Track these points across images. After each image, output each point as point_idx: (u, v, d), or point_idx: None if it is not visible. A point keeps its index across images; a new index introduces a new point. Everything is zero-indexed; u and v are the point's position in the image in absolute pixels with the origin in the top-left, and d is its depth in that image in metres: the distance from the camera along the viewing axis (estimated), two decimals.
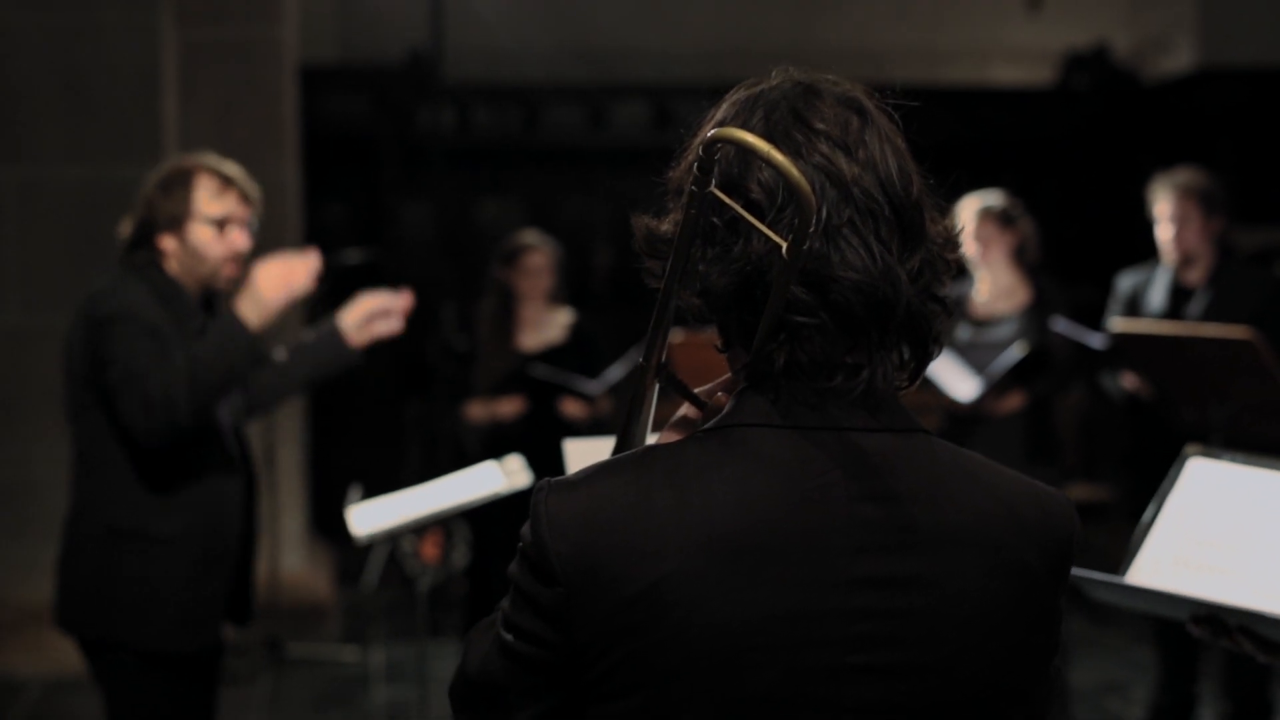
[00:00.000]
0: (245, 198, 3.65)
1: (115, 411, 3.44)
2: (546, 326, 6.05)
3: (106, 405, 3.48)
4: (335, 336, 3.92)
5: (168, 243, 3.57)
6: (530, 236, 6.13)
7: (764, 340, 1.37)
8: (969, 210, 5.46)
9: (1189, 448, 2.31)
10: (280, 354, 3.97)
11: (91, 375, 3.48)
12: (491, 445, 5.77)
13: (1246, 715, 5.01)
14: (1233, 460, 2.28)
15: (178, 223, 3.56)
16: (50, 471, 6.06)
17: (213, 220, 3.57)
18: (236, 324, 3.49)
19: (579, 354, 6.01)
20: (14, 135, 6.33)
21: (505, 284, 6.00)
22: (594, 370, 6.00)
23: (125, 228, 3.63)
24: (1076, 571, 2.12)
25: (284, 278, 3.59)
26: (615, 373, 5.90)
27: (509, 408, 5.89)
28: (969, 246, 5.42)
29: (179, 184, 3.58)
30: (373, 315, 3.92)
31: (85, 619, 3.55)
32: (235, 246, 3.62)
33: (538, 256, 6.00)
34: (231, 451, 3.64)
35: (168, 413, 3.35)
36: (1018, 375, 5.29)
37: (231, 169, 3.67)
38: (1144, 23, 11.69)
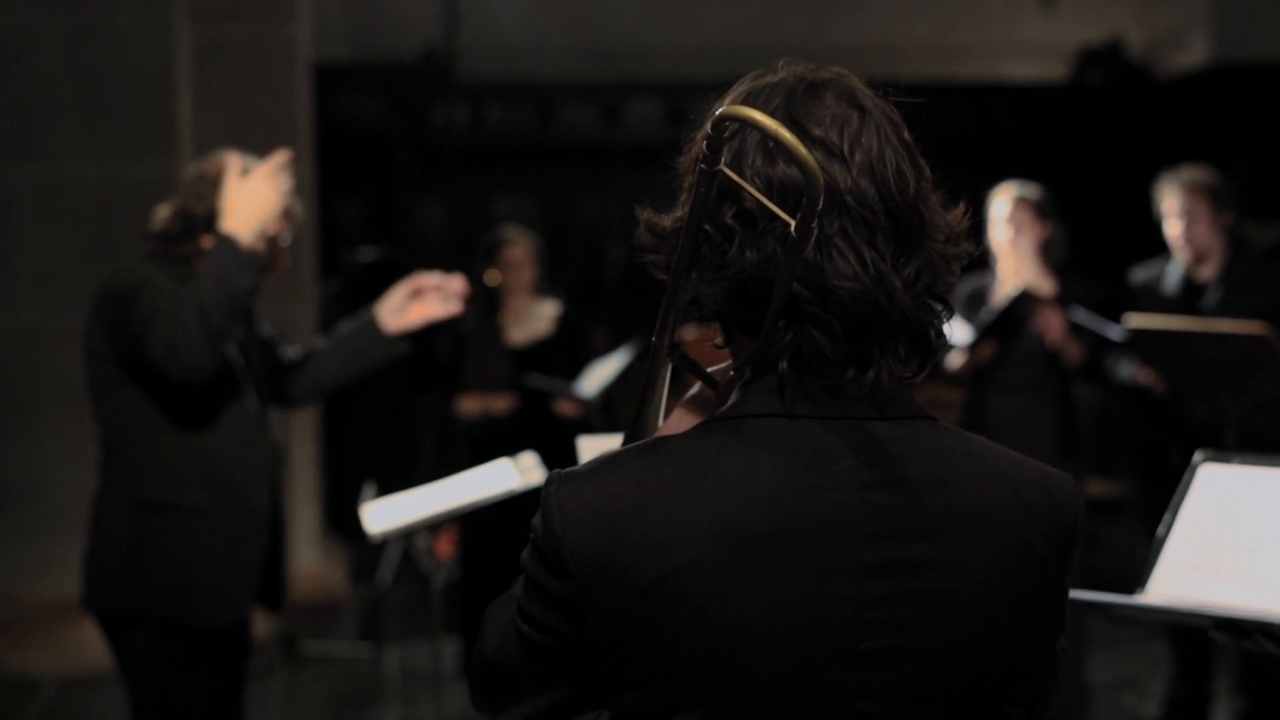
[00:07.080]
0: (289, 214, 3.67)
1: (144, 360, 3.41)
2: (533, 319, 6.05)
3: (132, 372, 3.47)
4: (370, 326, 3.87)
5: (210, 242, 3.53)
6: (509, 231, 6.16)
7: (772, 325, 1.37)
8: (1006, 196, 5.45)
9: (1198, 455, 2.30)
10: (319, 344, 3.96)
11: (111, 347, 3.47)
12: (486, 439, 5.79)
13: (1262, 711, 5.01)
14: (1243, 462, 2.27)
15: None
16: (64, 470, 6.08)
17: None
18: (229, 243, 3.42)
19: (566, 346, 6.03)
20: (29, 134, 6.34)
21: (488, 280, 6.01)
22: (581, 361, 6.03)
23: (163, 214, 3.62)
24: (1094, 595, 2.13)
25: (256, 195, 3.46)
26: (608, 372, 5.92)
27: (502, 403, 5.90)
28: (999, 231, 5.42)
29: None
30: (410, 297, 3.84)
31: (114, 594, 3.54)
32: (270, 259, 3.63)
33: (518, 249, 6.01)
34: (255, 429, 3.66)
35: (189, 346, 3.33)
36: (1006, 326, 5.35)
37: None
38: (1157, 18, 11.68)
